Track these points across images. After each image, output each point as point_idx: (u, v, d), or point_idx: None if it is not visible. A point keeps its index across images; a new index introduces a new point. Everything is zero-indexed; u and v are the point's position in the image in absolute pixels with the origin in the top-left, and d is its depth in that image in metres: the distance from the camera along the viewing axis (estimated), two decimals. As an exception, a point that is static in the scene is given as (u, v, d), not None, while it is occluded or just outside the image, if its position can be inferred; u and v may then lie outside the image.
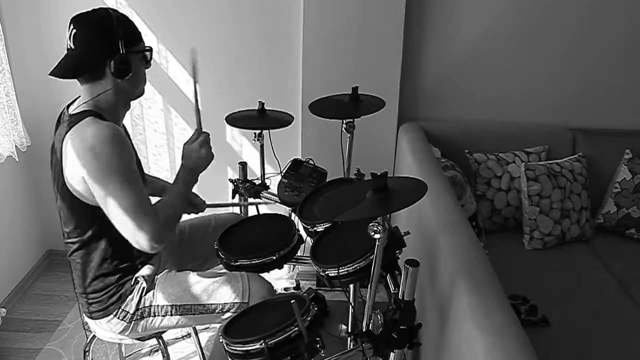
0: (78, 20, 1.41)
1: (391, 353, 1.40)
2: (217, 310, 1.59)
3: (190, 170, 1.54)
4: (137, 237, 1.37)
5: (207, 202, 1.98)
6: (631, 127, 2.64)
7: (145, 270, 1.61)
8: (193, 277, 1.63)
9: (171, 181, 1.78)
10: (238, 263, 1.66)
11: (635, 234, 2.52)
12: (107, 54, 1.40)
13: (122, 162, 1.36)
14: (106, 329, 1.60)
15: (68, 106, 1.53)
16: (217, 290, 1.60)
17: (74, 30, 1.40)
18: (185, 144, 1.57)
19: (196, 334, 2.07)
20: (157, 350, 2.25)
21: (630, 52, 2.55)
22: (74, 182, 1.40)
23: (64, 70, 1.42)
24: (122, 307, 1.57)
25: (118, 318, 1.57)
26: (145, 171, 1.87)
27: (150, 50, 1.53)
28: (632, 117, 2.65)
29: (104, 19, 1.40)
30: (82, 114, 1.41)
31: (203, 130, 1.59)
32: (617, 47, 2.54)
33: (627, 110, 2.65)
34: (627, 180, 2.51)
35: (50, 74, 1.42)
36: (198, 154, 1.54)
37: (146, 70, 1.55)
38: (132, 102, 1.58)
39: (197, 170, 1.55)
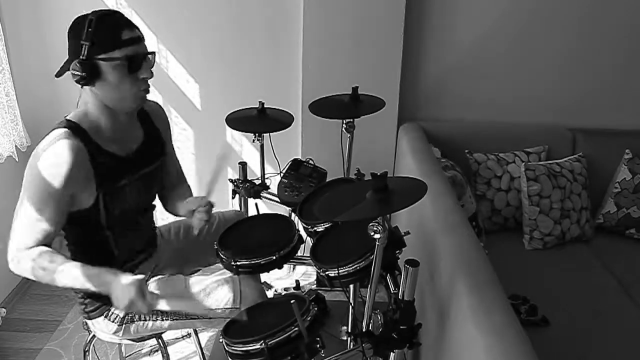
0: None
1: (391, 353, 1.40)
2: (208, 316, 1.57)
3: (106, 288, 1.34)
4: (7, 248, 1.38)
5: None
6: (631, 127, 2.64)
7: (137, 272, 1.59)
8: (184, 282, 1.60)
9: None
10: (238, 263, 1.66)
11: (635, 234, 2.52)
12: (72, 57, 1.36)
13: (41, 185, 1.33)
14: (102, 328, 1.60)
15: None
16: (208, 295, 1.56)
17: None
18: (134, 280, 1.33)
19: (196, 334, 2.07)
20: (157, 350, 2.25)
21: (631, 52, 2.55)
22: None
23: (60, 70, 1.42)
24: (112, 310, 1.56)
25: (109, 320, 1.56)
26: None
27: (129, 59, 1.35)
28: (632, 117, 2.65)
29: (79, 21, 1.35)
30: (60, 122, 1.40)
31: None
32: (617, 48, 2.54)
33: (627, 110, 2.65)
34: (627, 180, 2.51)
35: (55, 76, 1.42)
36: (124, 295, 1.31)
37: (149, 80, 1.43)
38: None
39: (107, 291, 1.34)
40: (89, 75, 1.34)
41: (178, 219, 1.82)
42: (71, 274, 1.33)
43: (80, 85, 1.38)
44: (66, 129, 1.37)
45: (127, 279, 1.32)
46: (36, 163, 1.33)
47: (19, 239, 1.37)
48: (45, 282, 1.35)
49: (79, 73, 1.33)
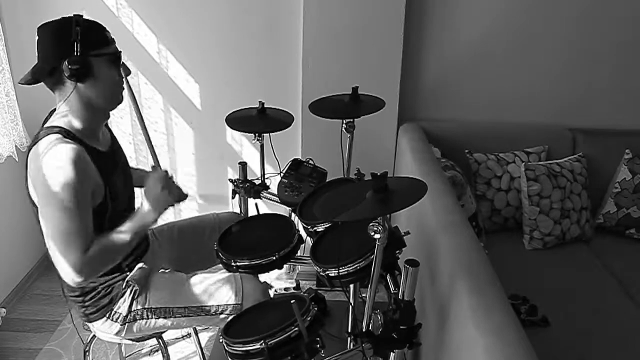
0: (40, 28, 1.40)
1: (391, 353, 1.40)
2: (211, 312, 1.58)
3: (149, 210, 1.43)
4: (60, 266, 1.33)
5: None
6: (631, 127, 2.64)
7: (137, 272, 1.60)
8: (187, 279, 1.62)
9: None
10: (238, 263, 1.66)
11: (635, 234, 2.52)
12: (62, 57, 1.36)
13: (68, 188, 1.31)
14: (105, 330, 1.60)
15: (51, 113, 1.50)
16: (210, 292, 1.59)
17: (37, 38, 1.40)
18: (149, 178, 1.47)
19: (196, 334, 2.07)
20: (157, 350, 2.25)
21: (630, 52, 2.55)
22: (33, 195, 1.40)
23: (26, 77, 1.41)
24: (115, 310, 1.56)
25: (112, 320, 1.57)
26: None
27: (117, 54, 1.44)
28: (632, 117, 2.65)
29: (63, 23, 1.37)
30: (51, 129, 1.39)
31: (161, 168, 1.49)
32: (616, 47, 2.54)
33: (627, 110, 2.65)
34: (627, 180, 2.51)
35: (18, 83, 1.42)
36: (154, 193, 1.43)
37: (126, 78, 1.49)
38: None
39: (154, 209, 1.43)
40: (82, 71, 1.36)
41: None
42: (121, 240, 1.40)
43: (73, 82, 1.38)
44: (58, 135, 1.37)
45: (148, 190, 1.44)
46: (52, 173, 1.31)
47: (74, 249, 1.32)
48: (126, 250, 1.45)
49: (74, 68, 1.35)
